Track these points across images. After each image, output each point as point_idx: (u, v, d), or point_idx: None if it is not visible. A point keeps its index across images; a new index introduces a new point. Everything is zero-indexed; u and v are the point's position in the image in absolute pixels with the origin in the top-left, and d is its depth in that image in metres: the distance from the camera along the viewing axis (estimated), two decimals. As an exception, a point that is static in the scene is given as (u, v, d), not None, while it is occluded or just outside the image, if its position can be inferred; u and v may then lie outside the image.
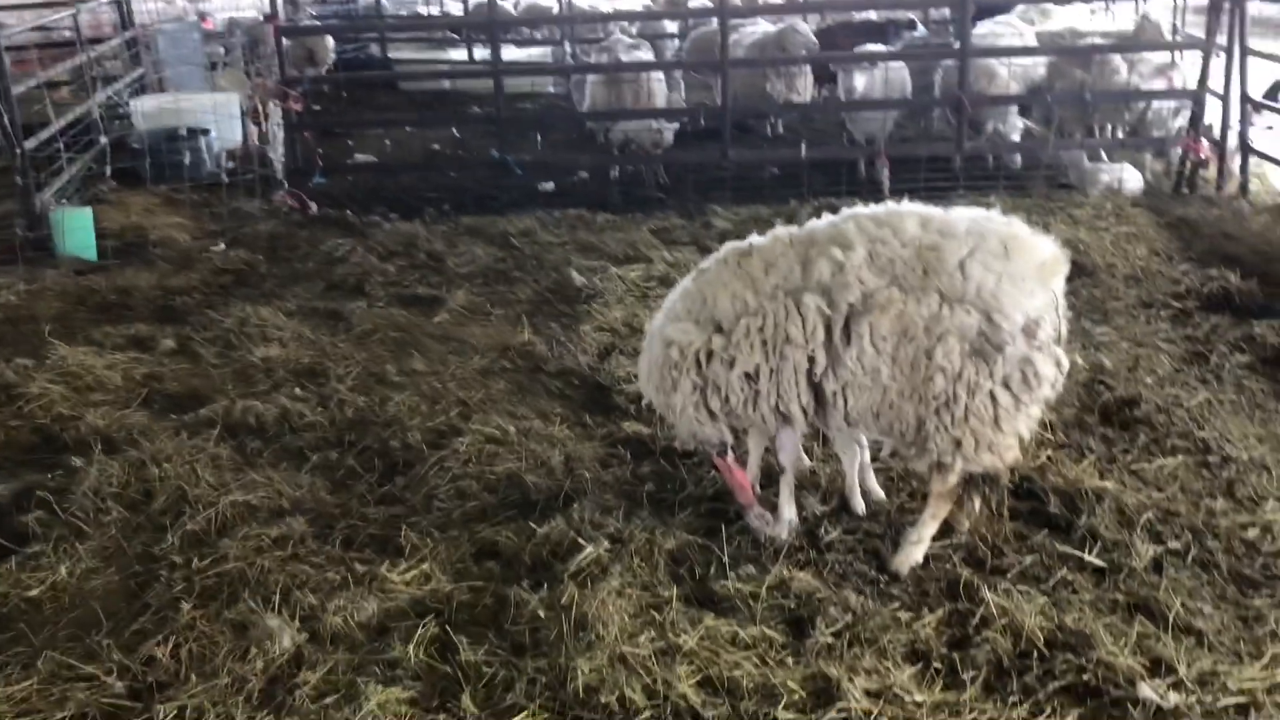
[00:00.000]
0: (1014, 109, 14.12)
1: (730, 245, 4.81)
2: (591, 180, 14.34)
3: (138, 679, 4.03)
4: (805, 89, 14.98)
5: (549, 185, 13.92)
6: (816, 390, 4.57)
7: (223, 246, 10.48)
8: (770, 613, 4.34)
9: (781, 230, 4.70)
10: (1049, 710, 3.78)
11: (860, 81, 13.81)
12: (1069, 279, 8.88)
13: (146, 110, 13.42)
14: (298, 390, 6.74)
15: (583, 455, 5.76)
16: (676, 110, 14.43)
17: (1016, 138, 14.22)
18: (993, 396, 4.36)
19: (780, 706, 3.79)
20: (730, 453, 4.98)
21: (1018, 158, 14.03)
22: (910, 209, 4.55)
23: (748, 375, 4.59)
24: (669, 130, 13.48)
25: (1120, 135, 14.08)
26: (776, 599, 4.42)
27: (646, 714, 3.75)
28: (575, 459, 5.67)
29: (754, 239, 4.75)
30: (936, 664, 4.05)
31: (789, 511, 4.94)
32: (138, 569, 4.79)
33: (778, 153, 13.60)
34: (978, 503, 4.82)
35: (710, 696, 3.86)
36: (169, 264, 9.95)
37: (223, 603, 4.44)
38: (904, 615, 4.33)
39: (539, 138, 15.78)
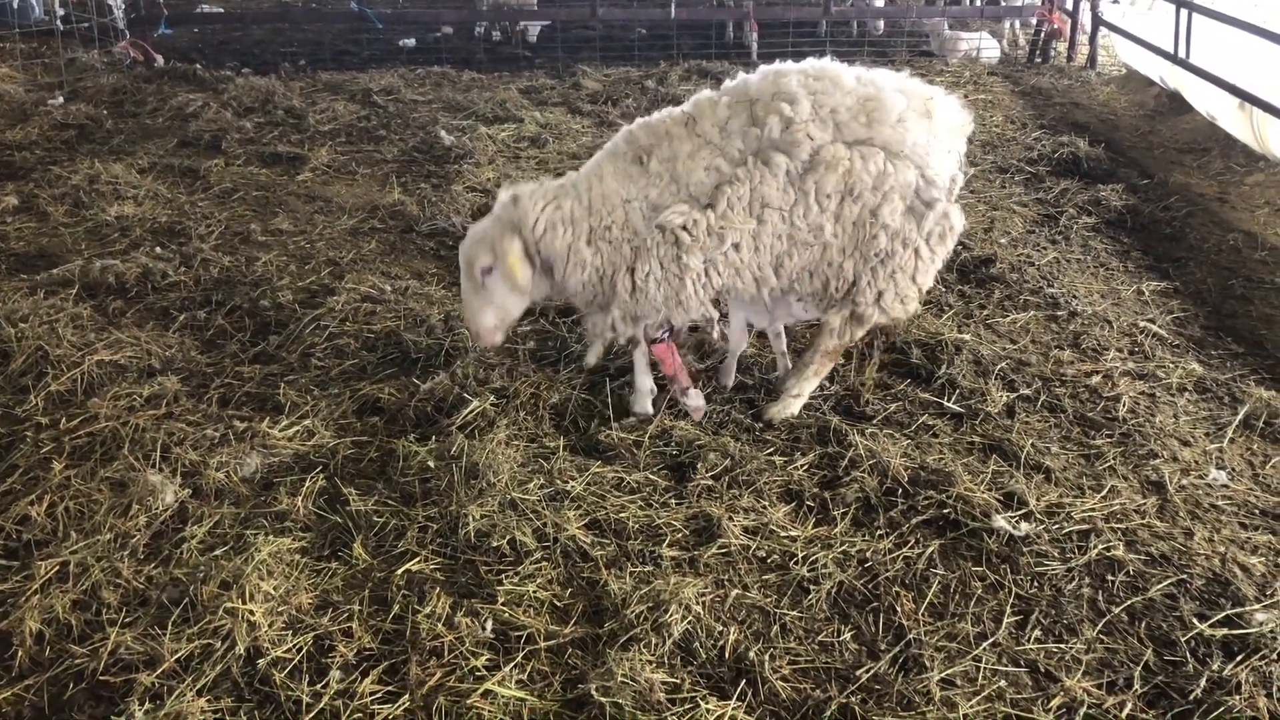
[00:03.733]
0: (879, -25, 14.18)
1: (666, 112, 4.58)
2: (456, 37, 13.89)
3: (12, 538, 3.93)
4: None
5: (410, 41, 13.44)
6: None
7: (61, 100, 9.82)
8: (653, 459, 4.49)
9: (707, 92, 4.57)
10: (913, 541, 4.06)
11: (729, -59, 13.67)
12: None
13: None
14: (158, 249, 6.49)
15: (461, 314, 5.75)
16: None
17: (880, 3, 14.35)
18: (917, 251, 4.51)
19: (665, 544, 3.96)
20: (669, 338, 4.81)
21: (881, 24, 14.18)
22: (831, 65, 4.51)
23: (735, 246, 4.42)
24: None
25: (980, 3, 14.33)
26: (659, 447, 4.56)
27: (537, 555, 3.87)
28: (455, 318, 5.65)
29: (685, 106, 4.58)
30: (809, 502, 4.27)
31: (729, 379, 5.15)
32: (0, 430, 4.62)
33: (647, 12, 13.38)
34: (877, 355, 5.02)
35: (598, 537, 4.00)
36: (1, 118, 9.29)
37: (97, 461, 4.33)
38: (778, 459, 4.53)
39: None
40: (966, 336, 5.59)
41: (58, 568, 3.73)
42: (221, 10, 14.49)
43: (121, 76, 10.79)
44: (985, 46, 13.12)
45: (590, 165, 4.62)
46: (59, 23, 11.52)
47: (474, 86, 11.22)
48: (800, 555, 3.95)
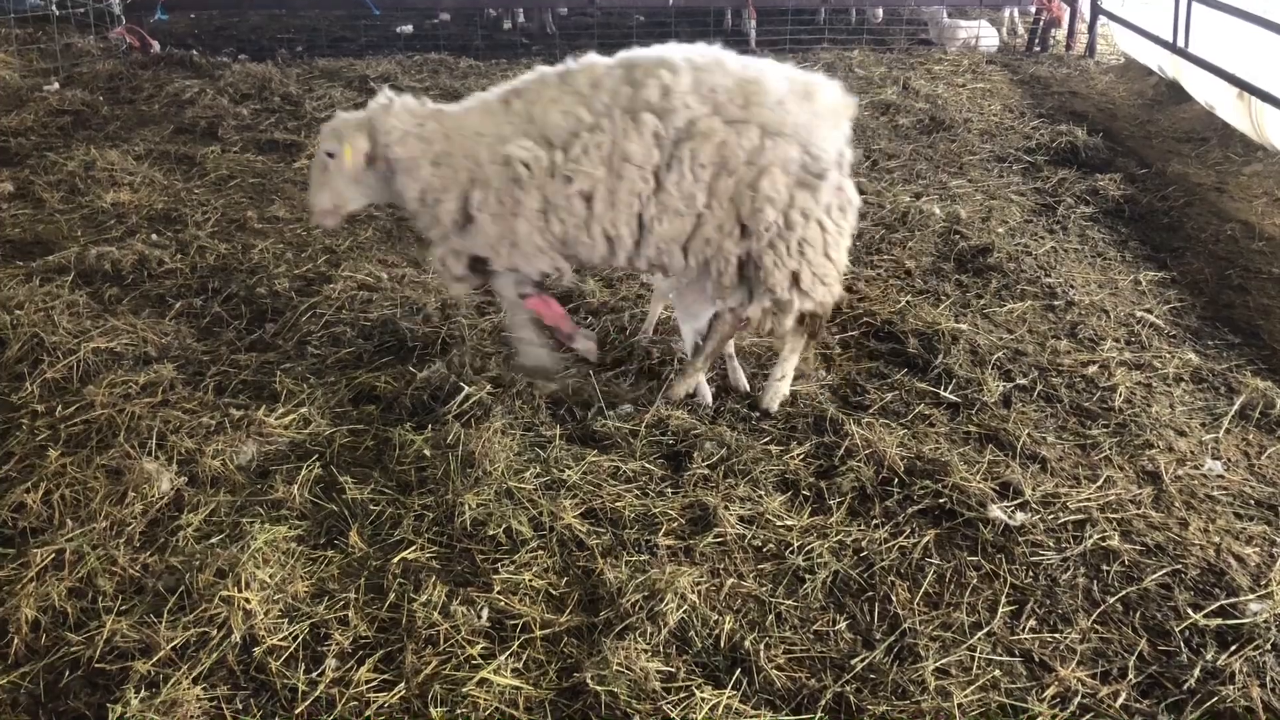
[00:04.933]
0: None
1: (542, 67, 4.66)
2: (453, 23, 13.84)
3: (8, 525, 3.93)
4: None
5: (407, 28, 13.40)
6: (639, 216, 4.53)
7: (57, 86, 9.79)
8: (649, 448, 4.48)
9: (596, 56, 4.62)
10: (908, 531, 4.06)
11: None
12: (927, 133, 9.21)
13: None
14: (154, 236, 6.48)
15: (459, 303, 5.74)
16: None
17: (880, -8, 14.28)
18: (822, 225, 4.50)
19: (660, 533, 3.97)
20: (541, 290, 4.93)
21: (880, 12, 14.14)
22: (722, 51, 4.57)
23: (584, 195, 4.46)
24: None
25: (980, -8, 14.27)
26: (655, 436, 4.56)
27: (533, 544, 3.87)
28: (451, 306, 5.64)
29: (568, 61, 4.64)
30: (805, 492, 4.28)
31: (586, 342, 5.15)
32: (-4, 417, 4.62)
33: (645, 0, 13.33)
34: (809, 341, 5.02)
35: (594, 526, 4.00)
36: (-3, 103, 9.26)
37: (93, 449, 4.32)
38: (774, 448, 4.54)
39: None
40: (963, 326, 5.58)
41: (53, 555, 3.72)
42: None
43: (117, 62, 10.76)
44: (984, 35, 13.09)
45: (468, 99, 4.78)
46: (55, 8, 11.47)
47: (471, 74, 11.18)
48: (796, 544, 3.95)
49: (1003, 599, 3.75)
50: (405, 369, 4.98)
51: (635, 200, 4.43)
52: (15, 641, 3.38)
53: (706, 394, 4.93)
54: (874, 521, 4.12)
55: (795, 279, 4.54)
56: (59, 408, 4.59)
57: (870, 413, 4.83)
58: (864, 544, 3.98)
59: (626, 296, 5.89)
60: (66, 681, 3.28)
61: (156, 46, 11.36)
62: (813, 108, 4.44)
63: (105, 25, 11.73)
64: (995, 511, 4.14)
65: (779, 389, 4.89)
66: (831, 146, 4.48)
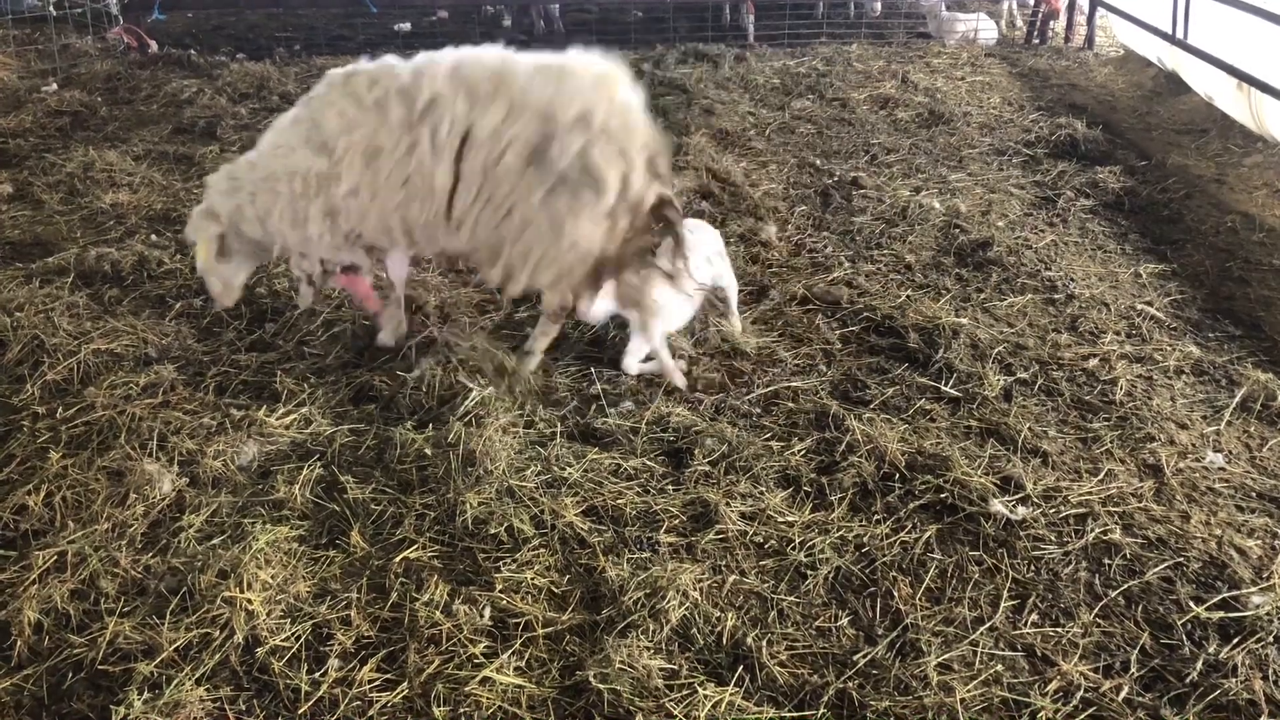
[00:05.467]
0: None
1: (331, 71, 4.76)
2: (451, 21, 13.83)
3: (10, 527, 3.93)
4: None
5: (405, 25, 13.39)
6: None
7: (55, 87, 9.78)
8: (650, 445, 4.49)
9: (393, 57, 4.72)
10: (910, 526, 4.06)
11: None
12: (927, 126, 9.19)
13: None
14: (153, 237, 6.47)
15: (459, 301, 5.74)
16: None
17: (878, -14, 14.27)
18: (547, 204, 4.45)
19: (662, 531, 3.97)
20: (353, 270, 5.07)
21: (878, 6, 14.13)
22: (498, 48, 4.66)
23: (353, 192, 4.57)
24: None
25: (978, -16, 14.24)
26: (656, 433, 4.56)
27: (535, 542, 3.87)
28: (451, 305, 5.64)
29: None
30: (806, 488, 4.28)
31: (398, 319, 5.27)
32: (-3, 420, 4.62)
33: (643, -4, 13.35)
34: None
35: (596, 524, 4.00)
36: (-5, 104, 9.26)
37: (94, 450, 4.33)
38: (775, 445, 4.53)
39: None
40: (964, 320, 5.58)
41: (55, 557, 3.73)
42: (216, -5, 14.42)
43: (115, 63, 10.75)
44: (982, 28, 13.08)
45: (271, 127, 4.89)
46: (52, 9, 11.46)
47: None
48: (798, 541, 3.95)
49: (1005, 593, 3.75)
50: (405, 368, 4.98)
51: (393, 190, 4.54)
52: (18, 644, 3.39)
53: (676, 377, 5.00)
54: (875, 517, 4.12)
55: (525, 256, 4.57)
56: (60, 409, 4.59)
57: (871, 408, 4.82)
58: (865, 540, 3.98)
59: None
60: (69, 684, 3.28)
61: (154, 46, 11.35)
62: (560, 86, 4.43)
63: (103, 25, 11.73)
64: (997, 506, 4.14)
65: (529, 361, 4.96)
66: (579, 131, 4.41)
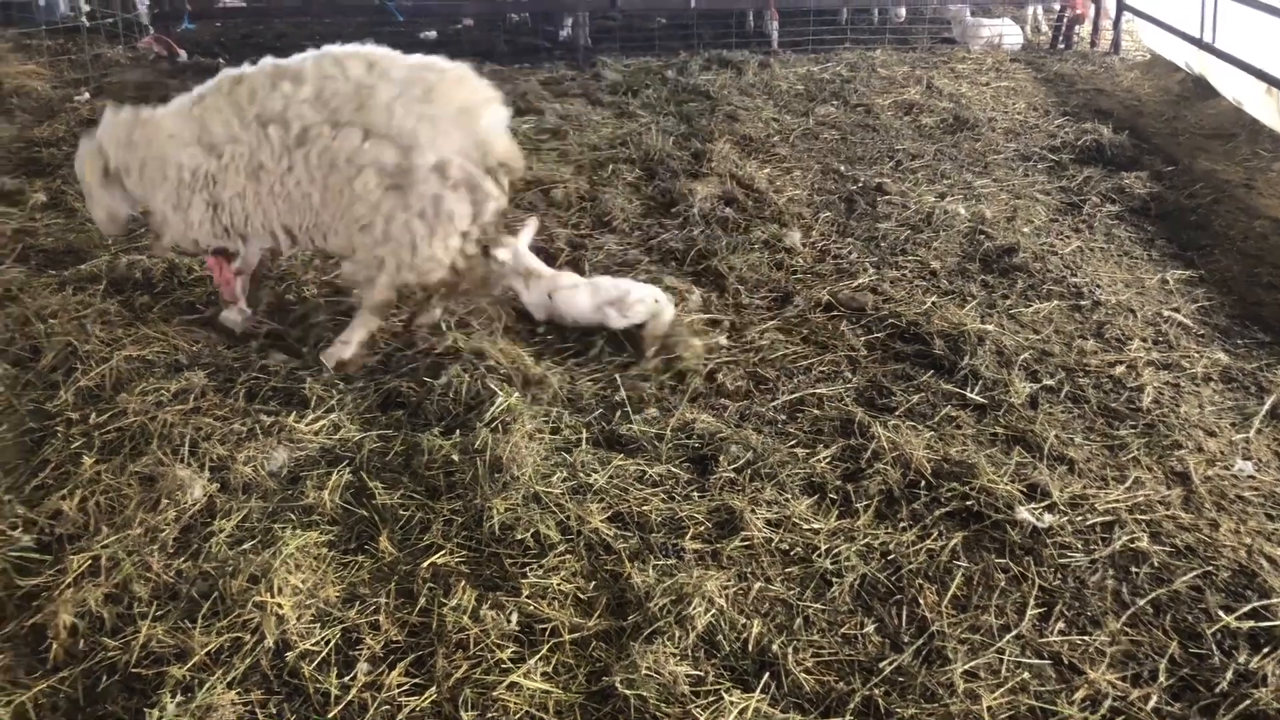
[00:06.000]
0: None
1: (225, 71, 5.13)
2: (476, 29, 13.91)
3: (45, 532, 3.99)
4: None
5: (431, 34, 13.46)
6: None
7: (87, 95, 9.90)
8: (675, 452, 4.50)
9: (270, 59, 5.08)
10: (935, 534, 4.06)
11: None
12: (951, 132, 9.17)
13: (-12, -55, 12.41)
14: (184, 244, 6.53)
15: (482, 309, 5.77)
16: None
17: (903, -9, 14.23)
18: (408, 225, 4.88)
19: (687, 537, 3.98)
20: (232, 258, 5.46)
21: (902, 11, 14.11)
22: (371, 52, 5.04)
23: (238, 196, 5.04)
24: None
25: (1003, -11, 14.22)
26: (681, 439, 4.58)
27: (561, 548, 3.90)
28: (476, 313, 5.67)
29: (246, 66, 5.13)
30: (832, 495, 4.28)
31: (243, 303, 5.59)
32: (32, 425, 4.68)
33: (667, 3, 13.34)
34: (436, 313, 5.46)
35: (621, 530, 4.02)
36: (30, 114, 9.38)
37: (127, 456, 4.38)
38: (801, 451, 4.54)
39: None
40: (989, 327, 5.57)
41: (90, 561, 3.78)
42: (244, 4, 14.55)
43: (146, 71, 10.87)
44: (1008, 33, 13.03)
45: (176, 100, 5.26)
46: (85, 19, 11.60)
47: (495, 78, 11.18)
48: (823, 548, 3.96)
49: (1031, 601, 3.75)
50: (431, 374, 5.01)
51: (273, 200, 5.01)
52: (54, 647, 3.44)
53: None
54: (901, 524, 4.12)
55: (381, 263, 5.00)
56: (93, 415, 4.64)
57: (897, 415, 4.83)
58: (891, 547, 3.98)
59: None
60: (104, 686, 3.32)
61: (184, 55, 11.48)
62: (425, 110, 4.83)
63: (134, 35, 11.86)
64: (1023, 513, 4.13)
65: (339, 350, 5.17)
66: (433, 152, 4.83)
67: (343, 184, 4.87)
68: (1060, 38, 13.45)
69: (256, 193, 5.02)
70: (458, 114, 4.91)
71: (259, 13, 13.87)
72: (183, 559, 3.83)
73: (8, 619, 3.60)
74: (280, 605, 3.54)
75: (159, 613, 3.58)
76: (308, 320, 5.63)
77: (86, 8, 12.09)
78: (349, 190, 4.87)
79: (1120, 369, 5.27)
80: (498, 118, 5.08)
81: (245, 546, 3.88)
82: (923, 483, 4.33)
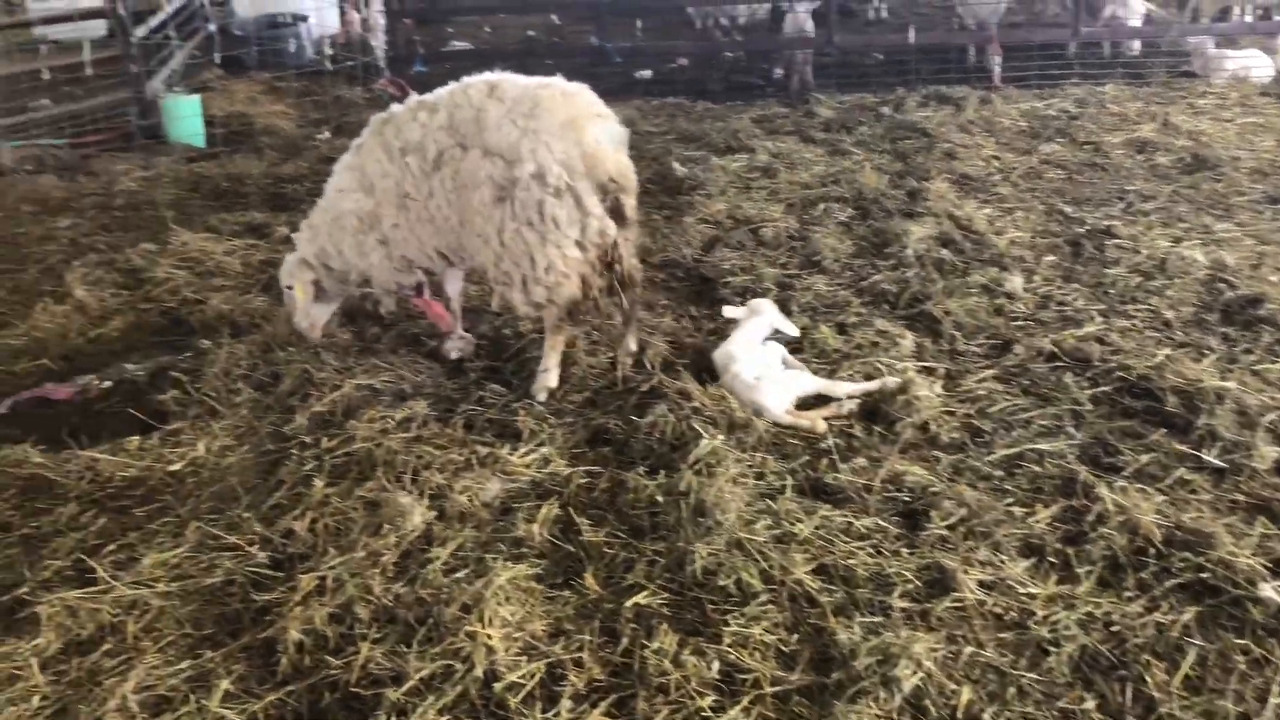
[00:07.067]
0: (1135, -9, 13.45)
1: (377, 115, 5.58)
2: (691, 68, 14.13)
3: (278, 550, 4.26)
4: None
5: (646, 73, 13.76)
6: None
7: (327, 134, 10.62)
8: (884, 504, 4.39)
9: (416, 97, 5.51)
10: (1165, 607, 3.79)
11: (970, -37, 13.34)
12: (1189, 172, 8.64)
13: (245, -4, 13.53)
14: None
15: (689, 346, 5.82)
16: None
17: (1136, 22, 13.56)
18: (519, 234, 5.06)
19: (895, 595, 3.86)
20: (425, 290, 5.88)
21: (1137, 44, 13.42)
22: (496, 77, 5.30)
23: (395, 226, 5.41)
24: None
25: (1250, 18, 13.36)
26: (890, 491, 4.46)
27: (763, 597, 3.85)
28: (661, 350, 5.71)
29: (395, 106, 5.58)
30: (1051, 558, 4.07)
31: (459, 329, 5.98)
32: (270, 447, 5.02)
33: (884, 38, 13.19)
34: (632, 345, 5.62)
35: (826, 583, 3.94)
36: (276, 151, 10.13)
37: (354, 480, 4.63)
38: (1018, 510, 4.34)
39: (639, 24, 15.53)
40: (1230, 384, 5.18)
41: (317, 581, 4.00)
42: (471, 48, 15.30)
43: (380, 111, 11.56)
44: (1256, 64, 12.18)
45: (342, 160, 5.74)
46: (328, 63, 12.47)
47: (707, 116, 11.36)
48: (1040, 614, 3.76)
49: (1275, 687, 3.44)
50: (637, 412, 5.07)
51: (422, 224, 5.37)
52: (283, 661, 3.65)
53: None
54: (1127, 594, 3.87)
55: (509, 279, 5.21)
56: (324, 440, 4.94)
57: (1124, 476, 4.55)
58: (1115, 618, 3.74)
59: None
60: (326, 703, 3.50)
61: (415, 96, 12.14)
62: (529, 124, 5.02)
63: (371, 77, 12.66)
64: (1267, 590, 3.80)
65: (544, 379, 5.38)
66: (533, 161, 4.99)
67: (477, 201, 5.11)
68: (1315, 69, 12.47)
69: (407, 220, 5.37)
70: (561, 126, 5.03)
71: (485, 56, 14.54)
72: (401, 584, 4.00)
73: (244, 631, 3.85)
74: (490, 636, 3.64)
75: (378, 635, 3.74)
76: (523, 355, 5.81)
77: (330, 52, 12.98)
78: (473, 208, 5.12)
79: (1383, 436, 4.80)
80: (607, 133, 5.17)
81: (459, 575, 4.01)
82: (1152, 550, 4.05)
